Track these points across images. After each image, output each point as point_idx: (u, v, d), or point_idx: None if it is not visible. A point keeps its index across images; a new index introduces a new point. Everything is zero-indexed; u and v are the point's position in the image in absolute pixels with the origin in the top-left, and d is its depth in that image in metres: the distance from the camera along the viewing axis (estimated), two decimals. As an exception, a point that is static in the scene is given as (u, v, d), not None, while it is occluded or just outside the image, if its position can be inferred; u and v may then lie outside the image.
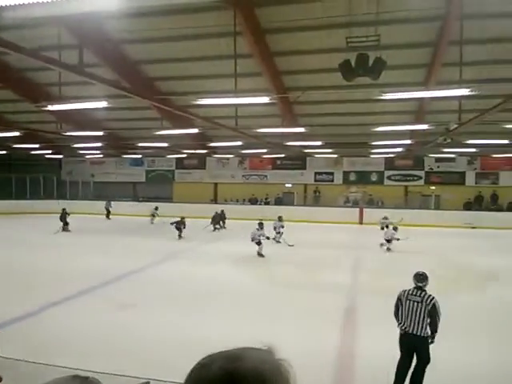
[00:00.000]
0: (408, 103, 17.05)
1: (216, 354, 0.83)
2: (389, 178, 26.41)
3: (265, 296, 9.21)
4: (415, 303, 4.98)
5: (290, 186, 27.94)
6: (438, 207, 24.82)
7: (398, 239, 14.77)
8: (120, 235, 18.59)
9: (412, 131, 18.79)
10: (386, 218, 18.59)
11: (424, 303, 4.93)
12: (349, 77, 11.51)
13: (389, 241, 14.99)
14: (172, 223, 17.34)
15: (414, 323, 4.92)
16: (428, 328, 4.91)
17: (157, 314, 7.60)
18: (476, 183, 25.32)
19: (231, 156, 28.06)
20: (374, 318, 7.52)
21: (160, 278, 10.78)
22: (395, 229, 15.18)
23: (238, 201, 27.74)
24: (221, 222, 20.70)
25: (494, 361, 5.84)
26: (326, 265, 12.59)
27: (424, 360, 4.91)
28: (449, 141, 14.98)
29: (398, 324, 5.13)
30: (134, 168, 31.21)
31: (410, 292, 5.10)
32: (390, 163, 26.26)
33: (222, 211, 21.13)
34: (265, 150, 23.66)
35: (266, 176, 28.52)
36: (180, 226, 17.18)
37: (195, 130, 17.09)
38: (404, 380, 4.95)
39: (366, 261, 13.47)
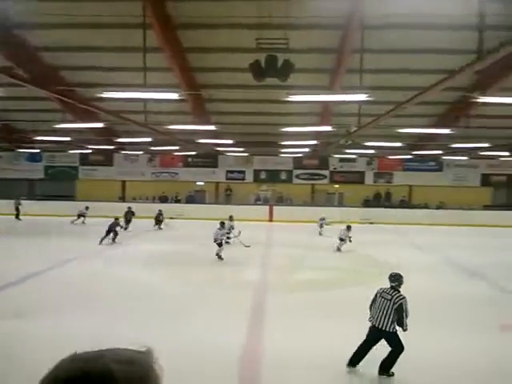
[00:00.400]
0: (314, 105, 17.94)
1: (80, 353, 0.83)
2: (297, 176, 27.54)
3: (175, 296, 9.05)
4: (385, 301, 5.45)
5: (201, 184, 27.79)
6: (341, 204, 26.48)
7: (350, 239, 14.87)
8: (34, 237, 17.03)
9: (318, 132, 19.78)
10: (323, 219, 19.19)
11: (392, 302, 5.38)
12: (259, 77, 11.79)
13: (342, 240, 15.03)
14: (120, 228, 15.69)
15: (381, 318, 5.39)
16: (395, 324, 5.35)
17: (57, 319, 7.07)
18: (374, 182, 27.48)
19: (140, 153, 27.11)
20: (283, 315, 7.80)
21: (67, 280, 10.09)
22: (348, 228, 15.17)
23: (147, 199, 26.91)
24: (159, 223, 19.87)
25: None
26: (237, 262, 12.75)
27: (395, 349, 5.36)
28: (350, 142, 16.04)
29: (369, 317, 5.62)
30: (31, 164, 28.64)
31: (385, 290, 5.59)
32: (298, 162, 27.38)
33: (160, 211, 20.16)
34: (176, 148, 23.25)
35: (176, 174, 28.04)
36: (114, 228, 15.41)
37: (100, 125, 16.20)
38: (358, 359, 5.52)
39: (277, 257, 13.89)
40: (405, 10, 11.24)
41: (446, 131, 15.88)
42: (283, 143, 20.76)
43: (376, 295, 5.67)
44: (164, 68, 14.65)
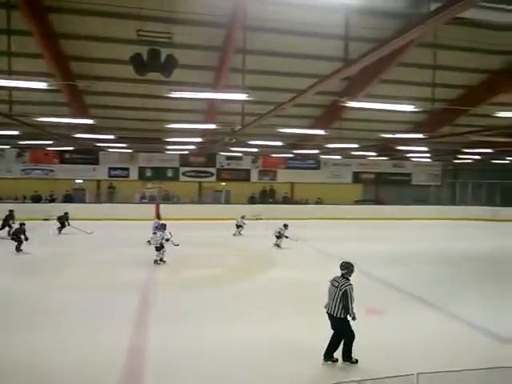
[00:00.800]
0: (200, 103, 17.89)
1: None
2: (184, 174, 27.21)
3: (59, 300, 8.42)
4: (334, 288, 5.71)
5: (80, 181, 25.90)
6: (228, 202, 26.92)
7: (286, 237, 15.04)
8: None
9: (204, 130, 19.83)
10: (243, 217, 18.90)
11: (338, 288, 5.60)
12: (141, 71, 11.38)
13: (279, 237, 15.08)
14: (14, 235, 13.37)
15: (331, 305, 5.69)
16: (343, 310, 5.55)
17: None
18: (259, 179, 28.44)
19: (7, 147, 24.21)
20: (169, 314, 7.68)
21: None
22: (285, 226, 15.22)
23: (16, 199, 24.18)
24: (65, 223, 17.70)
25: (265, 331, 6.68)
26: (122, 263, 12.18)
27: (345, 337, 5.63)
28: (234, 141, 16.37)
29: (325, 305, 5.85)
30: None
31: (335, 278, 5.84)
32: (184, 160, 27.06)
33: (66, 214, 17.98)
34: (50, 142, 21.29)
35: (52, 171, 25.63)
36: (19, 234, 13.17)
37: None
38: (331, 351, 5.70)
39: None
40: (284, 16, 11.85)
41: (321, 132, 17.11)
42: (169, 140, 20.36)
43: (330, 283, 5.91)
44: (33, 54, 13.32)
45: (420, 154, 24.92)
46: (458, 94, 18.21)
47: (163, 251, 12.13)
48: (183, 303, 8.44)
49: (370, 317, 7.88)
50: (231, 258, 13.63)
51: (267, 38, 13.59)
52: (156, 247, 12.06)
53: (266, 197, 28.06)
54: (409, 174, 30.17)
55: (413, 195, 28.90)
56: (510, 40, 13.78)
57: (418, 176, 30.20)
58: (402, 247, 15.98)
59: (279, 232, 15.22)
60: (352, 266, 5.86)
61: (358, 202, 28.62)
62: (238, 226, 18.35)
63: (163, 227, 12.61)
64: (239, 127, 13.53)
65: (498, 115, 12.05)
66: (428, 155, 25.31)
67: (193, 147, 23.56)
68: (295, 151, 24.53)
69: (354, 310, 5.58)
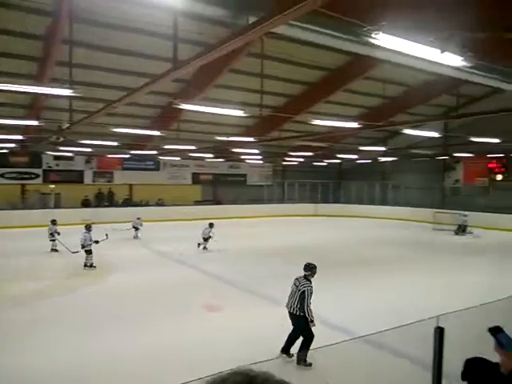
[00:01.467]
0: (20, 96, 15.96)
1: None
2: (2, 176, 23.83)
3: None
4: (295, 287, 5.95)
5: None
6: (58, 206, 24.53)
7: (212, 235, 14.91)
8: None
9: (26, 126, 17.74)
10: (138, 218, 18.13)
11: (298, 288, 5.85)
12: None
13: (206, 239, 14.77)
14: None
15: (290, 303, 5.90)
16: (303, 309, 5.75)
17: None
18: (94, 181, 26.69)
19: None
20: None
21: None
22: (211, 225, 14.94)
23: None
24: None
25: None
26: None
27: (303, 336, 5.75)
28: (62, 139, 15.08)
29: (286, 303, 6.05)
30: None
31: (298, 278, 6.04)
32: (2, 160, 23.69)
33: None
34: None
35: None
36: None
37: None
38: (287, 346, 5.91)
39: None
40: (116, 11, 11.46)
41: (157, 133, 17.03)
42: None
43: (293, 283, 6.07)
44: None
45: (253, 156, 26.84)
46: (284, 102, 20.19)
47: (92, 256, 11.99)
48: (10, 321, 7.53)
49: (210, 314, 8.19)
50: (63, 264, 12.58)
51: (98, 32, 12.91)
52: (86, 251, 11.91)
53: (104, 199, 26.53)
54: (244, 175, 32.15)
55: (248, 195, 30.90)
56: (325, 58, 15.96)
57: (253, 177, 32.44)
58: (239, 244, 16.96)
59: (206, 233, 15.16)
60: (315, 267, 6.04)
61: (197, 203, 29.27)
62: (136, 229, 18.04)
63: (88, 229, 12.38)
64: (67, 125, 12.52)
65: (313, 123, 13.80)
66: (260, 157, 27.41)
67: (13, 145, 20.86)
68: (132, 152, 23.82)
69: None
